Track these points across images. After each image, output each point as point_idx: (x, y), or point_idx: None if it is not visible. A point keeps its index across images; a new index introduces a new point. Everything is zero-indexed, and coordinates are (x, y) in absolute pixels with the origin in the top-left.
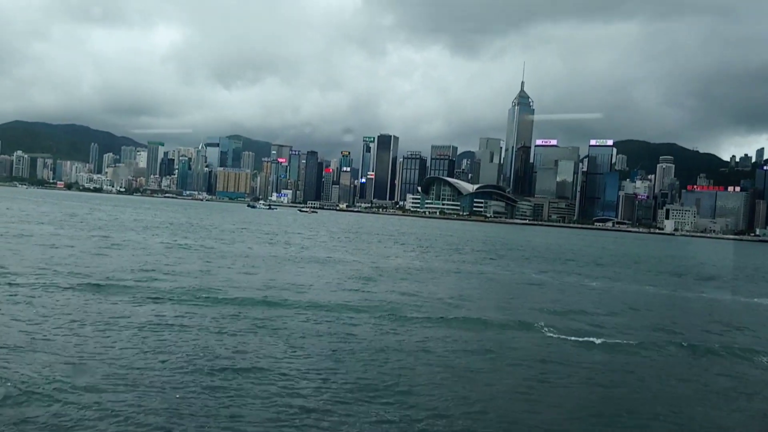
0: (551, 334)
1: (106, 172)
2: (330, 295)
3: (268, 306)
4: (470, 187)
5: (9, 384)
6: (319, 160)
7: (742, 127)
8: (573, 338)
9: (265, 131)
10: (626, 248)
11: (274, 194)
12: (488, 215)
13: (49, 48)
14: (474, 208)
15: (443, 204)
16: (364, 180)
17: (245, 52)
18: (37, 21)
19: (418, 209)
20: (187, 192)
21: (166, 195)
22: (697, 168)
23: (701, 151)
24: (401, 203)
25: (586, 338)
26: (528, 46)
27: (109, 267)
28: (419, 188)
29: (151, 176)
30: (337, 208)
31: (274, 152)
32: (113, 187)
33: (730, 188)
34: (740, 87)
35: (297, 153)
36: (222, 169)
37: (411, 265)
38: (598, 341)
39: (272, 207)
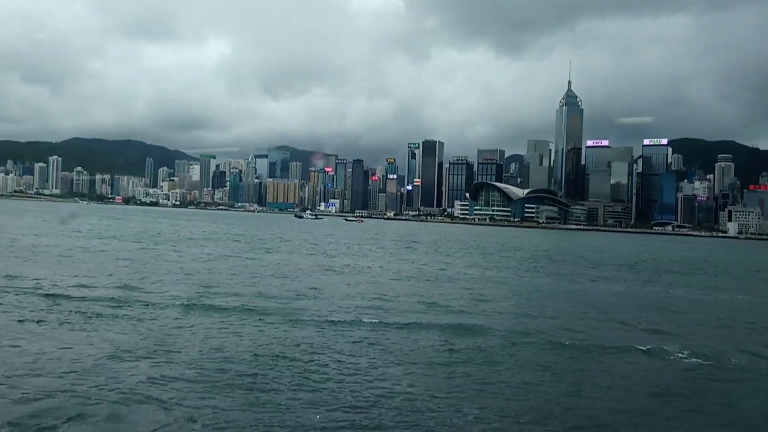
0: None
1: (162, 186)
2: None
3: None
4: (520, 192)
5: None
6: (365, 168)
7: None
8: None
9: (311, 141)
10: (720, 256)
11: (322, 204)
12: (541, 221)
13: (105, 65)
14: (525, 214)
15: (493, 210)
16: (410, 187)
17: (292, 63)
18: (93, 39)
19: (467, 216)
20: (239, 204)
21: (219, 207)
22: (759, 166)
23: (761, 148)
24: (449, 210)
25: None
26: (576, 43)
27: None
28: (467, 194)
29: (204, 189)
30: (385, 216)
31: (320, 162)
32: (168, 200)
33: None
34: None
35: (344, 162)
36: (271, 180)
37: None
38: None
39: (318, 217)
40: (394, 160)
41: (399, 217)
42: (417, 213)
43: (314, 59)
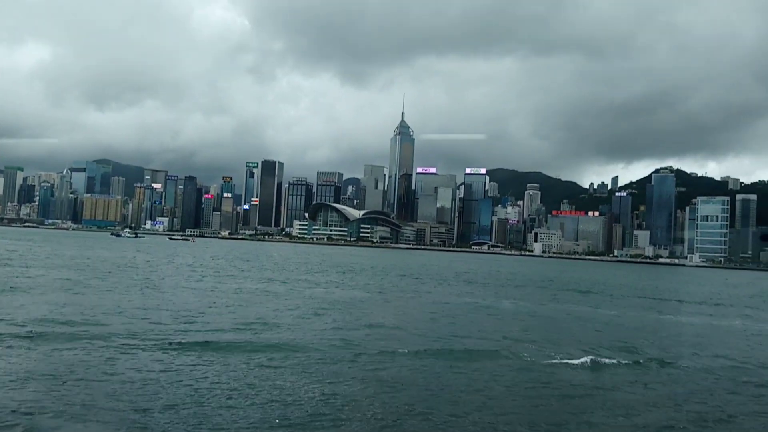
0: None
1: None
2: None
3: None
4: (357, 213)
5: None
6: (198, 186)
7: (601, 157)
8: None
9: (139, 156)
10: (527, 269)
11: (149, 222)
12: (375, 240)
13: None
14: (361, 234)
15: (331, 230)
16: (247, 206)
17: (124, 73)
18: None
19: (306, 235)
20: (50, 221)
21: (26, 224)
22: (561, 194)
23: (563, 179)
24: (288, 230)
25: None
26: (415, 78)
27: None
28: (306, 214)
29: (8, 204)
30: (219, 235)
31: (148, 177)
32: None
33: (590, 213)
34: (602, 120)
35: (174, 178)
36: (89, 195)
37: (353, 295)
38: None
39: (139, 235)
40: (231, 178)
41: (234, 236)
42: (254, 232)
43: (148, 71)
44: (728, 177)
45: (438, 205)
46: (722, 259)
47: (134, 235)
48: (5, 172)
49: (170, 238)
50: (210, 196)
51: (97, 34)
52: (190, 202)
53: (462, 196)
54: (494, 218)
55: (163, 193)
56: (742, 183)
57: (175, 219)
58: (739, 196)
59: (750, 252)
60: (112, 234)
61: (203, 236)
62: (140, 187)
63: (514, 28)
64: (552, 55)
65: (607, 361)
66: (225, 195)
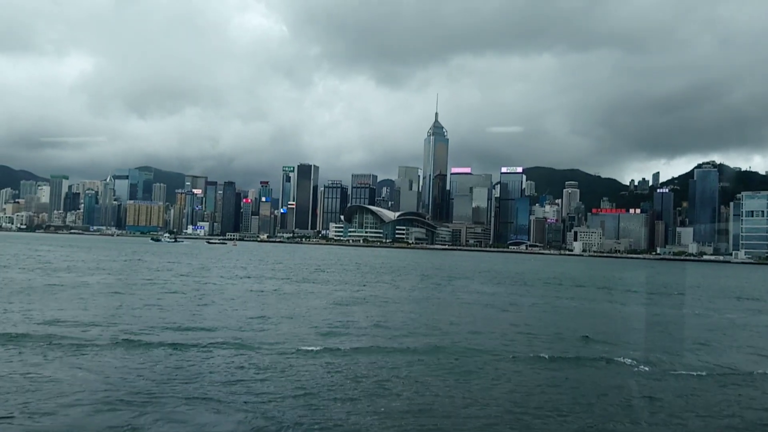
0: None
1: (4, 209)
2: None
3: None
4: (392, 215)
5: None
6: (237, 191)
7: (642, 154)
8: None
9: (180, 162)
10: (570, 270)
11: (190, 227)
12: (410, 241)
13: None
14: (396, 235)
15: (366, 232)
16: (284, 210)
17: (165, 82)
18: None
19: (342, 238)
20: (95, 227)
21: (72, 231)
22: (600, 192)
23: (603, 176)
24: (324, 232)
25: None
26: (451, 77)
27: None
28: (342, 217)
29: (55, 211)
30: (258, 239)
31: (189, 183)
32: (13, 224)
33: (632, 210)
34: (642, 116)
35: (214, 184)
36: (132, 202)
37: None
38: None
39: (178, 240)
40: (268, 183)
41: (272, 239)
42: (291, 235)
43: (188, 79)
44: None
45: (473, 205)
46: None
47: (173, 240)
48: (51, 180)
49: (208, 242)
50: (248, 200)
51: (138, 44)
52: (229, 207)
53: (498, 195)
54: (532, 217)
55: (204, 199)
56: None
57: (215, 223)
58: None
59: None
60: (151, 239)
61: (243, 240)
62: (181, 193)
63: (551, 23)
64: (590, 51)
65: None
66: (263, 199)
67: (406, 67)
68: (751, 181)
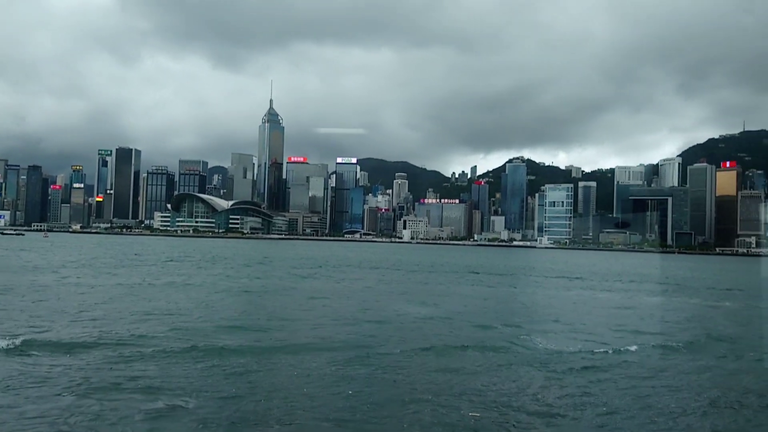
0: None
1: None
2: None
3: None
4: (225, 204)
5: None
6: (44, 176)
7: (465, 148)
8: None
9: None
10: (420, 257)
11: None
12: (245, 231)
13: None
14: (230, 225)
15: (197, 222)
16: (101, 198)
17: None
18: None
19: (169, 228)
20: None
21: None
22: (427, 183)
23: (429, 168)
24: (148, 222)
25: None
26: (292, 63)
27: None
28: (168, 206)
29: None
30: (70, 229)
31: None
32: None
33: (453, 201)
34: (468, 113)
35: (16, 168)
36: None
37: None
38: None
39: None
40: (82, 167)
41: (87, 230)
42: (110, 225)
43: None
44: (572, 166)
45: (310, 194)
46: (567, 241)
47: None
48: None
49: (2, 233)
50: (58, 186)
51: None
52: (34, 194)
53: (334, 185)
54: (365, 207)
55: (3, 184)
56: (583, 171)
57: (17, 212)
58: (581, 183)
59: (591, 234)
60: None
61: (51, 231)
62: None
63: (393, 18)
64: (428, 48)
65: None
66: (75, 185)
67: (245, 50)
68: (554, 174)
